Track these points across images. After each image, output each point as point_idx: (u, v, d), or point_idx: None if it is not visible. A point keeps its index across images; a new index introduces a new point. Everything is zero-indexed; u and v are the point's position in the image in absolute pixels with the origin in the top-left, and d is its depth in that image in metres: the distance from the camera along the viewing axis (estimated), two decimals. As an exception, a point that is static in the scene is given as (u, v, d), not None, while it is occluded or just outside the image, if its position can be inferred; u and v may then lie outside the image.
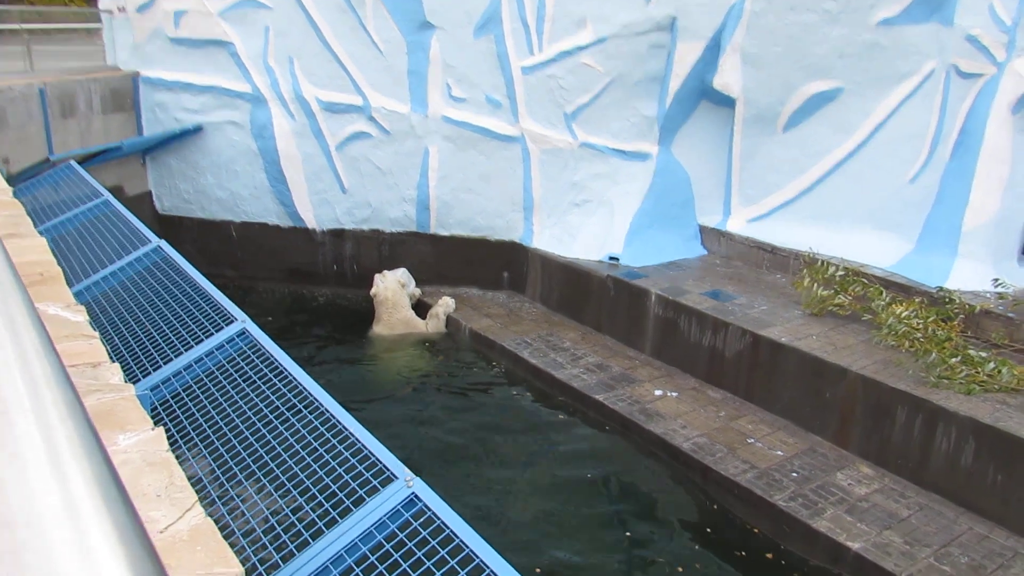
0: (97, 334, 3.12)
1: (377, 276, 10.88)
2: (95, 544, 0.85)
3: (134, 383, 3.83)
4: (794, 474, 7.07)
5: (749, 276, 10.04)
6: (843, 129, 9.70)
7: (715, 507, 7.00)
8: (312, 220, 11.76)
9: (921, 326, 7.77)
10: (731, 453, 7.41)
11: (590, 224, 10.92)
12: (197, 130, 11.26)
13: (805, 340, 8.04)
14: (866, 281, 8.71)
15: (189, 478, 2.49)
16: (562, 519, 6.79)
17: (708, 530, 6.72)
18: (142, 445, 2.47)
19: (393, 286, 10.71)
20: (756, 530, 6.68)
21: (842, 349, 7.83)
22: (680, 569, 6.21)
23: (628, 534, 6.63)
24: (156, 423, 2.71)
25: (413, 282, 11.23)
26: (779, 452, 7.44)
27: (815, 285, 8.78)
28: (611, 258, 10.51)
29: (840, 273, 8.86)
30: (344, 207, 11.62)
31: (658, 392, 8.66)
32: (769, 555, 6.44)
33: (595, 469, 7.59)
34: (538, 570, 6.06)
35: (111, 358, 2.98)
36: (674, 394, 8.63)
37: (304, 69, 10.92)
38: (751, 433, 7.79)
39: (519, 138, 10.83)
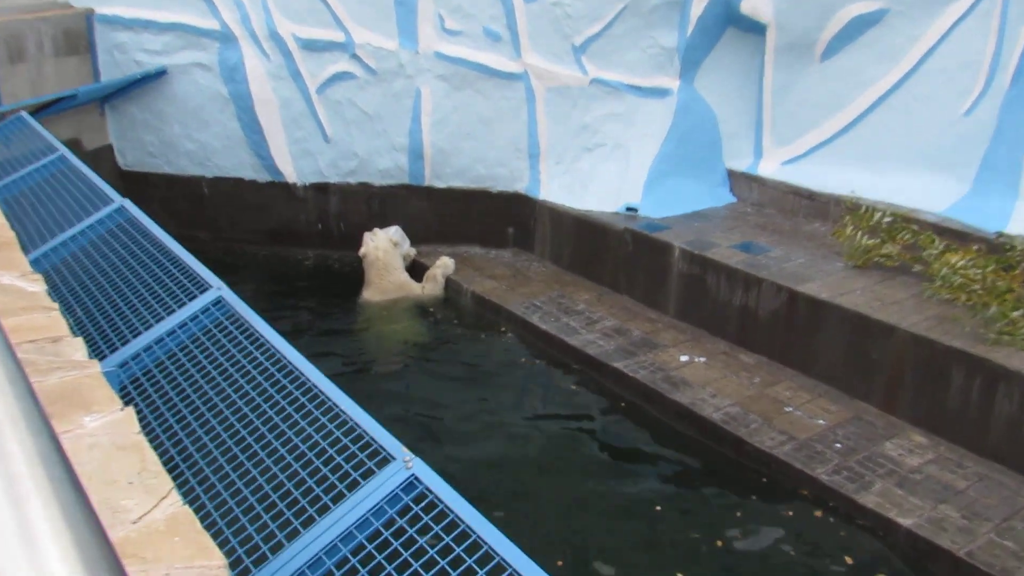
0: (57, 305, 3.12)
1: (367, 235, 10.85)
2: (38, 533, 0.84)
3: (100, 359, 3.84)
4: (838, 445, 7.10)
5: (784, 225, 9.98)
6: (888, 57, 9.55)
7: (751, 478, 7.03)
8: (292, 173, 11.71)
9: (979, 276, 7.72)
10: (767, 423, 7.44)
11: (604, 171, 10.84)
12: (161, 74, 11.17)
13: (848, 295, 8.01)
14: (916, 228, 8.66)
15: (164, 463, 2.50)
16: (581, 500, 6.84)
17: (753, 496, 6.76)
18: (111, 427, 2.47)
19: (384, 245, 10.69)
20: (805, 492, 6.72)
21: (890, 305, 7.80)
22: (719, 543, 6.26)
23: (658, 508, 6.68)
24: (126, 403, 2.72)
25: (407, 241, 11.20)
26: (821, 421, 7.46)
27: (858, 234, 8.73)
28: (628, 209, 10.45)
29: (887, 219, 8.81)
30: (327, 158, 11.56)
31: (684, 358, 8.67)
32: (818, 512, 6.51)
33: (614, 445, 7.63)
34: (560, 562, 6.12)
35: (73, 332, 2.97)
36: (702, 359, 8.64)
37: (279, 2, 10.78)
38: (789, 401, 7.81)
39: (522, 75, 10.70)
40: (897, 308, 7.74)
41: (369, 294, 10.72)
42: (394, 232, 10.91)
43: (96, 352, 4.28)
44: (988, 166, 8.91)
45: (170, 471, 2.55)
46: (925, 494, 6.44)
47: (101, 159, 11.42)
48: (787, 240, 9.50)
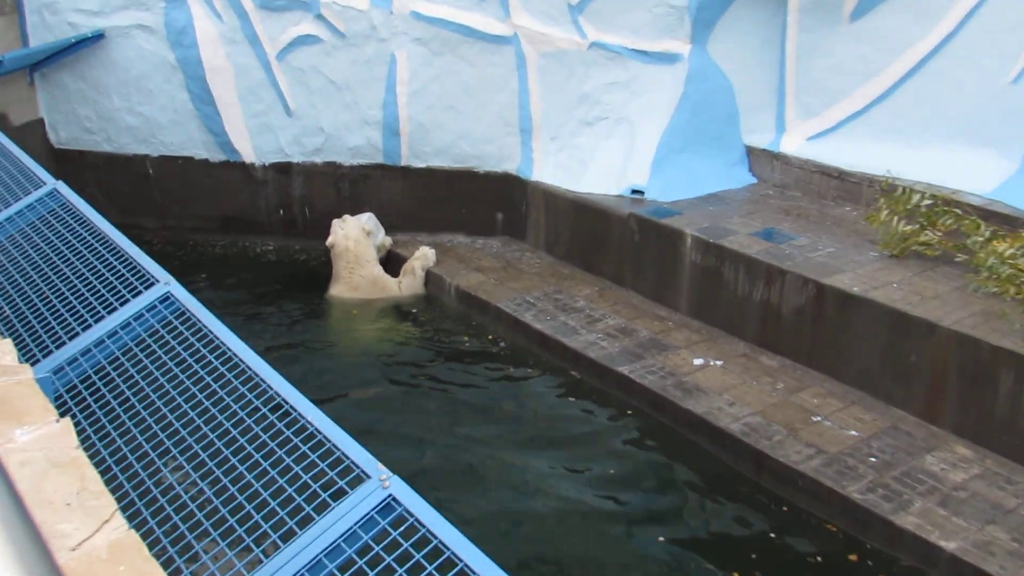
0: (-20, 303, 3.11)
1: (336, 222, 10.85)
2: None
3: (32, 364, 3.83)
4: (872, 459, 7.14)
5: (810, 209, 10.02)
6: (926, 16, 9.58)
7: (773, 505, 7.07)
8: (250, 152, 11.68)
9: (1030, 267, 7.78)
10: (792, 435, 7.47)
11: (606, 148, 10.86)
12: (98, 38, 11.12)
13: (883, 289, 8.05)
14: (960, 212, 8.70)
15: (106, 481, 2.50)
16: (581, 525, 6.86)
17: (771, 534, 6.80)
18: (46, 441, 2.47)
19: (355, 234, 10.68)
20: (832, 527, 6.76)
21: (930, 299, 7.85)
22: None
23: (661, 539, 6.71)
24: (62, 413, 2.72)
25: (382, 230, 11.21)
26: (853, 432, 7.50)
27: (895, 219, 8.76)
28: (634, 191, 10.47)
29: (926, 202, 8.84)
30: (290, 134, 11.54)
31: (698, 361, 8.70)
32: (852, 556, 6.54)
33: (619, 461, 7.65)
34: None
35: (2, 333, 2.96)
36: (718, 363, 8.67)
37: (232, -44, 10.76)
38: (817, 409, 7.85)
39: (512, 38, 10.71)
40: (938, 303, 7.78)
41: (337, 290, 10.71)
42: (367, 219, 10.91)
43: (28, 356, 4.27)
44: (1041, 141, 8.97)
45: (113, 491, 2.55)
46: (971, 514, 6.48)
47: (30, 135, 11.38)
48: (814, 226, 9.53)
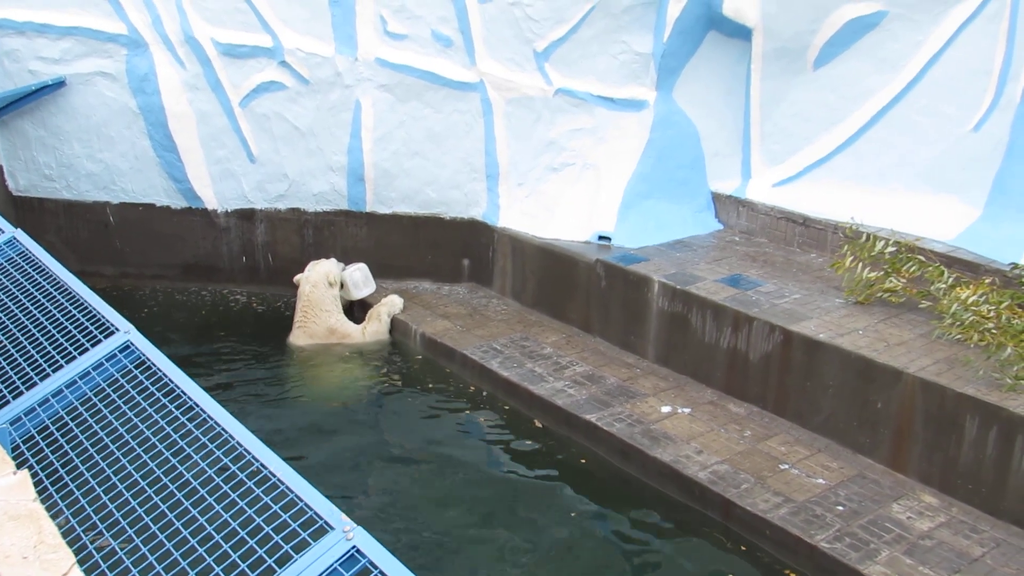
0: (-62, 354, 3.13)
1: (309, 265, 10.89)
2: None
3: (-12, 416, 3.83)
4: (840, 507, 7.22)
5: (776, 256, 10.19)
6: (888, 65, 9.85)
7: (743, 549, 7.12)
8: (212, 198, 11.71)
9: (993, 314, 7.93)
10: (759, 483, 7.54)
11: (572, 194, 11.00)
12: (59, 85, 11.15)
13: (849, 336, 8.19)
14: (923, 259, 8.87)
15: (64, 534, 2.52)
16: (550, 572, 6.86)
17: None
18: (3, 494, 2.49)
19: (317, 280, 10.70)
20: (790, 574, 6.83)
21: (895, 346, 7.99)
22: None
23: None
24: (19, 465, 2.73)
25: (371, 285, 11.35)
26: (820, 480, 7.59)
27: (859, 265, 8.92)
28: (601, 238, 10.59)
29: (890, 249, 9.00)
30: (253, 180, 11.59)
31: (665, 408, 8.77)
32: None
33: (586, 510, 7.67)
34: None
35: (-43, 384, 2.98)
36: (686, 410, 8.75)
37: (195, 2, 10.85)
38: (784, 457, 7.93)
39: (477, 85, 10.86)
40: (903, 350, 7.92)
41: (294, 336, 10.72)
42: (334, 269, 10.90)
43: (-17, 407, 4.27)
44: (1001, 188, 9.19)
45: (71, 544, 2.57)
46: (937, 563, 6.56)
47: (-13, 183, 11.34)
48: (780, 273, 9.69)
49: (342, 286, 11.02)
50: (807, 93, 10.36)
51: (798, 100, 10.44)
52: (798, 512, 7.15)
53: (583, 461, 8.38)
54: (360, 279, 11.19)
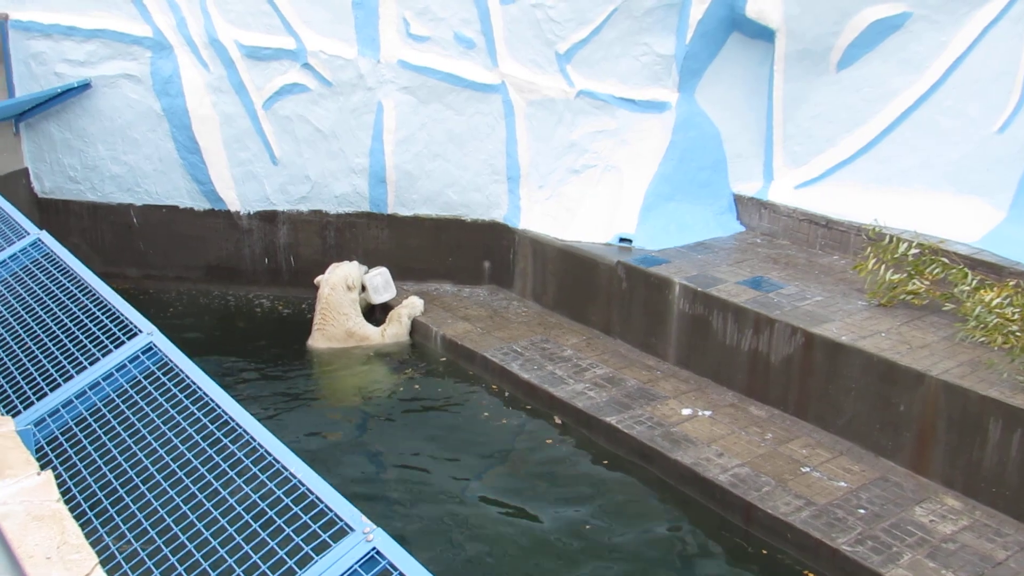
0: (-36, 356, 3.17)
1: (330, 268, 10.93)
2: None
3: (13, 416, 3.87)
4: (861, 510, 7.18)
5: (798, 258, 10.14)
6: (912, 66, 9.80)
7: (762, 557, 7.09)
8: (235, 200, 11.78)
9: (1017, 316, 7.87)
10: (781, 486, 7.51)
11: (594, 196, 10.99)
12: (84, 87, 11.25)
13: (871, 338, 8.14)
14: (947, 261, 8.81)
15: (87, 535, 2.54)
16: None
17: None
18: (26, 494, 2.51)
19: (336, 283, 10.73)
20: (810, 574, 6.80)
21: (919, 348, 7.94)
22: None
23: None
24: (43, 466, 2.76)
25: (391, 288, 11.29)
26: (842, 483, 7.55)
27: (882, 268, 8.88)
28: (622, 240, 10.58)
29: (914, 251, 8.95)
30: (276, 183, 11.65)
31: (686, 411, 8.75)
32: None
33: (607, 514, 7.66)
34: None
35: (-17, 386, 3.01)
36: (707, 413, 8.72)
37: (219, 3, 10.93)
38: (805, 460, 7.90)
39: (499, 87, 10.88)
40: (926, 352, 7.87)
41: (313, 339, 10.76)
42: (356, 272, 10.94)
43: (9, 408, 4.31)
44: (1026, 190, 9.13)
45: (94, 544, 2.59)
46: (960, 566, 6.51)
47: (15, 185, 11.45)
48: (802, 275, 9.65)
49: (363, 289, 11.06)
50: (830, 95, 10.32)
51: (821, 102, 10.39)
52: (820, 515, 7.11)
53: (605, 462, 8.37)
54: (380, 284, 11.21)
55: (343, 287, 10.75)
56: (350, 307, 10.79)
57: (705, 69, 10.72)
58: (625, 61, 10.56)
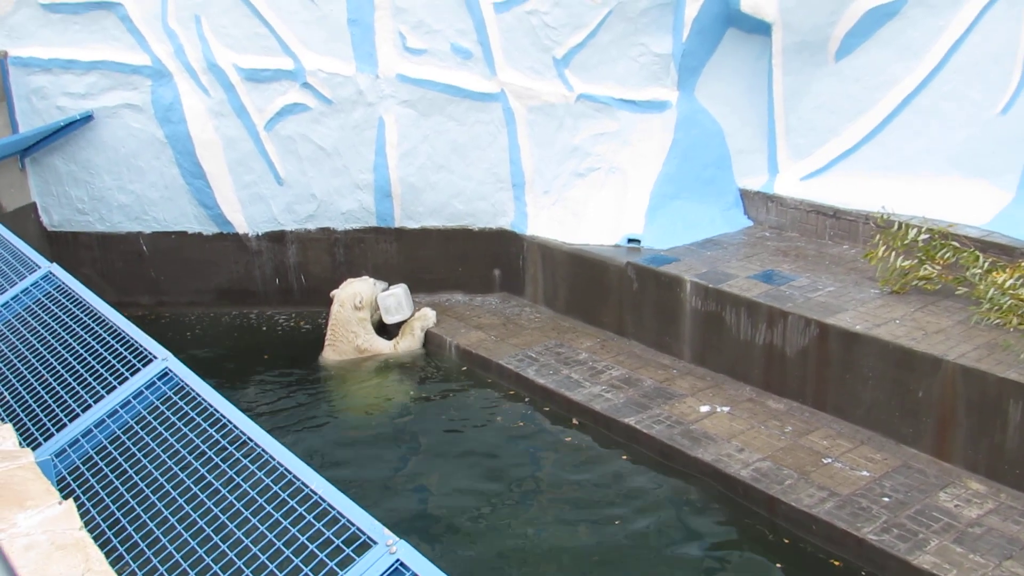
0: (-18, 390, 3.19)
1: (344, 283, 10.97)
2: None
3: (34, 448, 3.89)
4: (885, 499, 7.15)
5: (808, 249, 10.13)
6: (910, 52, 9.79)
7: (788, 549, 7.07)
8: (242, 223, 11.82)
9: (1031, 296, 7.85)
10: (803, 478, 7.49)
11: (599, 199, 10.99)
12: (87, 119, 11.31)
13: (886, 326, 8.12)
14: (958, 244, 8.79)
15: (112, 562, 2.55)
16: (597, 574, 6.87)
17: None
18: (49, 524, 2.52)
19: (344, 299, 10.76)
20: (849, 570, 6.76)
21: (934, 334, 7.92)
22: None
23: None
24: (65, 496, 2.77)
25: (403, 309, 11.12)
26: (864, 472, 7.52)
27: (893, 255, 8.86)
28: (630, 240, 10.58)
29: (924, 237, 8.94)
30: (282, 202, 11.68)
31: (704, 408, 8.74)
32: None
33: (630, 513, 7.65)
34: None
35: (1, 418, 3.03)
36: (725, 409, 8.71)
37: (216, 29, 10.98)
38: (827, 451, 7.87)
39: (499, 95, 10.90)
40: (942, 337, 7.84)
41: (325, 354, 10.82)
42: (367, 291, 10.90)
43: (29, 440, 4.33)
44: (1033, 169, 9.10)
45: (119, 571, 2.60)
46: (988, 550, 6.49)
47: (23, 220, 11.51)
48: (812, 266, 9.63)
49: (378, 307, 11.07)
50: (830, 85, 10.31)
51: (821, 92, 10.39)
52: (844, 505, 7.09)
53: (624, 457, 8.36)
54: (392, 305, 11.11)
55: (351, 305, 10.77)
56: (358, 325, 10.80)
57: (703, 66, 10.72)
58: (623, 63, 10.57)
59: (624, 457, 8.43)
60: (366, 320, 10.88)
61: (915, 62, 9.78)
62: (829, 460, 7.73)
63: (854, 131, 10.31)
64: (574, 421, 9.02)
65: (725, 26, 10.50)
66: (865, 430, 8.10)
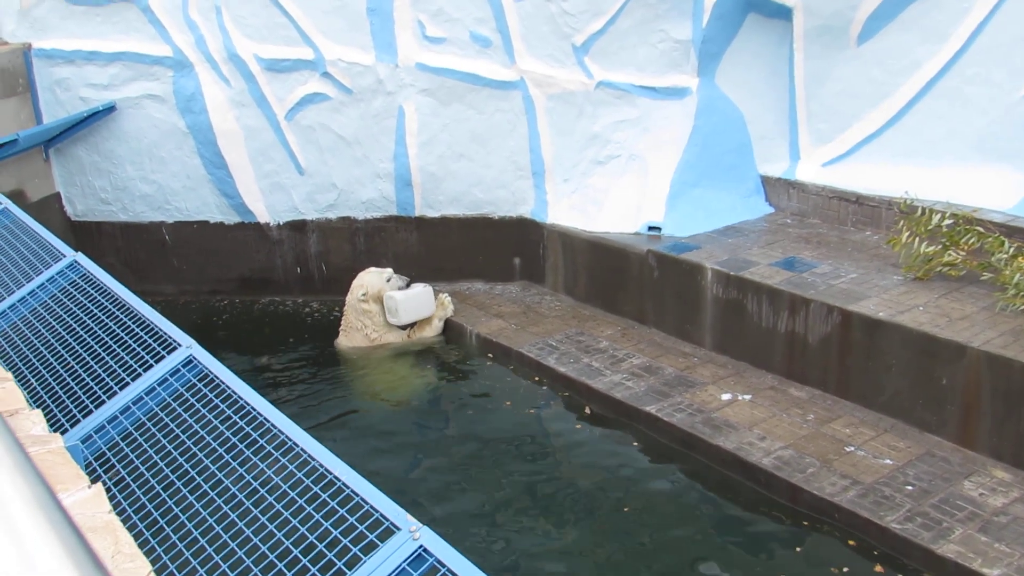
0: (11, 376, 3.23)
1: (364, 271, 10.99)
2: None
3: (61, 434, 3.94)
4: (909, 487, 7.12)
5: (830, 236, 10.08)
6: (933, 35, 9.69)
7: (810, 538, 7.05)
8: (264, 212, 11.88)
9: (1057, 282, 7.79)
10: (825, 467, 7.47)
11: (619, 186, 10.97)
12: (109, 110, 11.40)
13: (909, 313, 8.07)
14: (982, 230, 8.71)
15: (139, 545, 2.58)
16: (617, 563, 6.87)
17: (810, 569, 6.78)
18: (79, 507, 2.56)
19: (354, 289, 10.80)
20: (872, 558, 6.74)
21: (958, 320, 7.86)
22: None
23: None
24: (92, 481, 2.81)
25: (410, 312, 10.75)
26: (887, 460, 7.49)
27: (916, 240, 8.79)
28: (651, 228, 10.56)
29: (947, 222, 8.87)
30: (303, 192, 11.73)
31: (726, 396, 8.72)
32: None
33: (650, 501, 7.66)
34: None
35: (30, 404, 3.07)
36: (746, 397, 8.69)
37: (236, 19, 11.03)
38: (849, 439, 7.85)
39: (518, 83, 10.89)
40: (967, 324, 7.79)
41: (339, 340, 10.96)
42: (373, 284, 10.76)
43: (56, 426, 4.39)
44: (1058, 154, 9.01)
45: (146, 554, 2.63)
46: (1013, 539, 6.45)
47: (48, 210, 11.63)
48: (835, 253, 9.58)
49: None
50: (852, 69, 10.23)
51: (843, 77, 10.30)
52: (867, 494, 7.07)
53: (643, 445, 8.36)
54: (392, 307, 10.73)
55: (359, 306, 10.76)
56: (364, 316, 10.78)
57: (724, 52, 10.66)
58: (643, 49, 10.53)
59: (644, 445, 8.43)
60: (372, 312, 10.81)
61: (938, 45, 9.68)
62: (852, 448, 7.70)
63: (876, 116, 10.22)
64: (587, 410, 9.03)
65: (745, 11, 10.44)
66: (888, 418, 8.06)
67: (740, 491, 7.63)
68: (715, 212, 10.66)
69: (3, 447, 1.17)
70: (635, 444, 8.47)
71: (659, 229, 10.49)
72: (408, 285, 10.97)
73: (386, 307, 10.81)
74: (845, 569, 6.64)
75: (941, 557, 6.36)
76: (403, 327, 10.91)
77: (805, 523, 7.13)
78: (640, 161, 10.89)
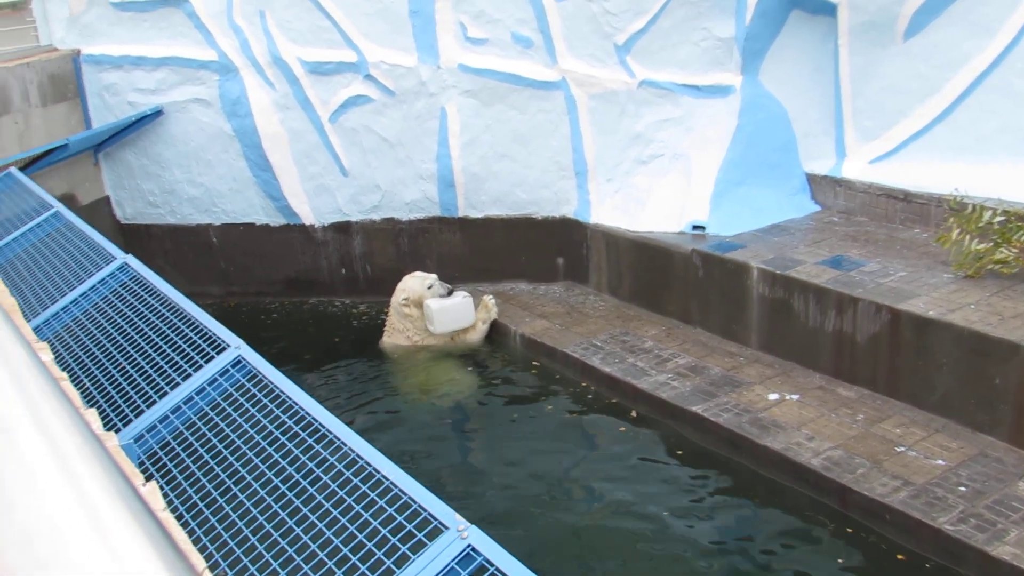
0: (66, 376, 3.27)
1: (409, 275, 11.00)
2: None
3: (114, 433, 3.98)
4: (962, 488, 7.00)
5: (878, 234, 9.94)
6: (982, 30, 9.52)
7: (861, 540, 6.96)
8: (308, 214, 11.96)
9: (1114, 279, 7.62)
10: (876, 467, 7.36)
11: (663, 186, 10.91)
12: (156, 114, 11.55)
13: (960, 311, 7.93)
14: (1035, 226, 8.57)
15: (193, 543, 2.60)
16: (668, 565, 6.83)
17: (861, 570, 6.69)
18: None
19: (397, 291, 10.82)
20: (925, 560, 6.63)
21: (1011, 319, 7.71)
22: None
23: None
24: (146, 480, 2.83)
25: (446, 323, 10.58)
26: (940, 461, 7.37)
27: (966, 238, 8.65)
28: (695, 227, 10.49)
29: (999, 219, 8.71)
30: (347, 193, 11.80)
31: (773, 396, 8.63)
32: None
33: (696, 502, 7.60)
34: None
35: (85, 403, 3.11)
36: (794, 397, 8.59)
37: (280, 23, 11.12)
38: (900, 439, 7.73)
39: (560, 83, 10.86)
40: (1020, 322, 7.64)
41: (383, 340, 11.02)
42: (414, 289, 10.70)
43: (108, 426, 4.44)
44: (1114, 148, 8.82)
45: (199, 551, 2.64)
46: (1071, 538, 6.33)
47: (98, 213, 11.82)
48: (883, 251, 9.45)
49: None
50: (899, 65, 10.08)
51: (889, 73, 10.16)
52: (919, 495, 6.95)
53: (679, 452, 8.30)
54: (435, 316, 10.55)
55: (401, 309, 10.78)
56: (406, 320, 10.79)
57: (767, 49, 10.56)
58: (685, 48, 10.47)
59: (689, 446, 8.37)
60: (414, 317, 10.78)
61: (987, 39, 9.52)
62: (902, 449, 7.58)
63: (924, 112, 10.07)
64: (633, 413, 8.98)
65: (789, 8, 10.34)
66: (939, 418, 7.93)
67: (789, 492, 7.55)
68: (760, 211, 10.56)
69: (83, 441, 1.20)
70: (688, 445, 8.41)
71: (703, 228, 10.41)
72: (450, 293, 10.81)
73: (425, 315, 10.74)
74: None
75: (996, 559, 6.23)
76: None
77: (855, 531, 7.02)
78: (684, 160, 10.82)
